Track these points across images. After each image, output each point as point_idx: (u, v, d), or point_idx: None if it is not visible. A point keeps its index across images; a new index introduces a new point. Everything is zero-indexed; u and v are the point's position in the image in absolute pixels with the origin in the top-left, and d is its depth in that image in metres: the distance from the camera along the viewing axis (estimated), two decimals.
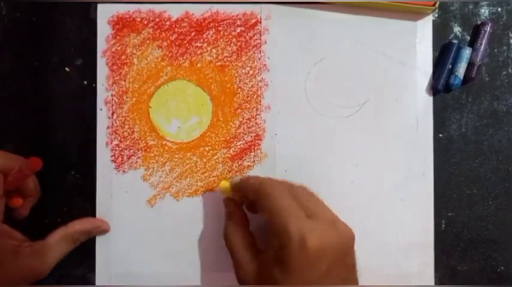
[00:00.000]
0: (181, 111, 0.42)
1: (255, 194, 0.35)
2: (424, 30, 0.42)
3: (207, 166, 0.42)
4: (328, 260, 0.31)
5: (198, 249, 0.41)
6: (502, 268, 0.42)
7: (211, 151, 0.42)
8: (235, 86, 0.42)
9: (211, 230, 0.41)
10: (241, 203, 0.39)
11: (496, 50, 0.42)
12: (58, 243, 0.38)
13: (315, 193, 0.36)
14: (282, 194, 0.34)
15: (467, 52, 0.41)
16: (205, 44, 0.42)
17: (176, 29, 0.42)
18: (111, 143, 0.41)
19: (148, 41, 0.42)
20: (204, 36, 0.42)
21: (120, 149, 0.41)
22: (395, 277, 0.42)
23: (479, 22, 0.42)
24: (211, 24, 0.42)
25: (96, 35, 0.41)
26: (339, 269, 0.32)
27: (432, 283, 0.42)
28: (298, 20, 0.42)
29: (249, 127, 0.42)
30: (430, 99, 0.42)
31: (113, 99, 0.41)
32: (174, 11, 0.42)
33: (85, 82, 0.42)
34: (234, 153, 0.42)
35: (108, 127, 0.41)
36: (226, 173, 0.42)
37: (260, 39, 0.42)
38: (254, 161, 0.42)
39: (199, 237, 0.41)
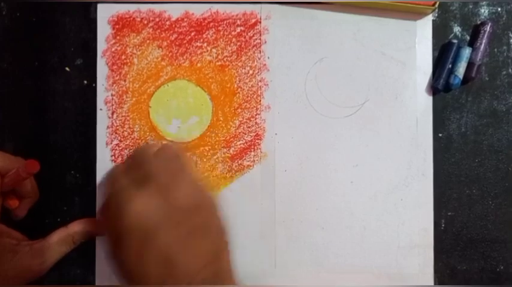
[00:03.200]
0: (181, 111, 0.42)
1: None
2: (424, 30, 0.42)
3: (207, 166, 0.42)
4: (153, 223, 0.31)
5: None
6: (502, 267, 0.42)
7: (211, 151, 0.42)
8: (235, 86, 0.42)
9: None
10: None
11: (495, 49, 0.42)
12: (58, 243, 0.38)
13: (180, 153, 0.36)
14: (115, 168, 0.36)
15: (467, 52, 0.41)
16: (205, 44, 0.42)
17: (176, 29, 0.42)
18: (111, 143, 0.41)
19: (148, 41, 0.42)
20: (204, 36, 0.42)
21: (120, 149, 0.41)
22: (395, 277, 0.42)
23: (479, 22, 0.42)
24: (211, 24, 0.42)
25: (96, 35, 0.42)
26: (173, 231, 0.31)
27: (432, 282, 0.42)
28: (298, 20, 0.42)
29: (249, 127, 0.42)
30: (430, 99, 0.42)
31: (113, 99, 0.42)
32: (174, 11, 0.42)
33: (85, 82, 0.42)
34: (234, 153, 0.42)
35: (108, 127, 0.41)
36: (226, 173, 0.42)
37: (260, 39, 0.42)
38: (254, 160, 0.42)
39: None
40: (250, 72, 0.42)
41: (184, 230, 0.32)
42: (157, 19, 0.42)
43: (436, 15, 0.42)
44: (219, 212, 0.34)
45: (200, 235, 0.33)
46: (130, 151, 0.38)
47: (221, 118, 0.42)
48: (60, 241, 0.38)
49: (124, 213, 0.31)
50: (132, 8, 0.42)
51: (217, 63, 0.42)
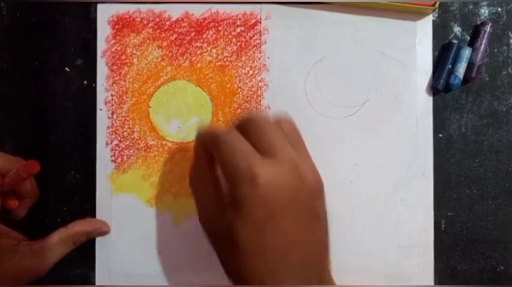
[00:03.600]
0: (181, 111, 0.42)
1: (210, 142, 0.32)
2: (424, 30, 0.42)
3: None
4: (283, 200, 0.29)
5: (198, 249, 0.41)
6: (502, 267, 0.42)
7: None
8: (235, 86, 0.42)
9: None
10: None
11: (496, 50, 0.42)
12: (58, 244, 0.38)
13: (298, 131, 0.34)
14: (232, 137, 0.31)
15: (467, 52, 0.41)
16: (205, 44, 0.42)
17: (176, 29, 0.42)
18: (111, 143, 0.41)
19: (148, 41, 0.42)
20: (204, 36, 0.42)
21: (120, 149, 0.41)
22: (396, 277, 0.42)
23: (479, 22, 0.42)
24: (211, 24, 0.42)
25: (96, 35, 0.41)
26: (297, 212, 0.29)
27: (432, 282, 0.42)
28: (298, 20, 0.42)
29: None
30: (430, 99, 0.42)
31: (112, 99, 0.42)
32: (174, 11, 0.42)
33: (85, 82, 0.42)
34: None
35: (108, 127, 0.41)
36: None
37: (260, 39, 0.42)
38: None
39: (199, 237, 0.41)
40: (250, 72, 0.42)
41: (306, 214, 0.30)
42: (157, 19, 0.42)
43: (436, 15, 0.42)
44: (325, 200, 0.32)
45: (316, 221, 0.30)
46: (245, 116, 0.33)
47: (221, 118, 0.42)
48: (60, 241, 0.38)
49: (253, 181, 0.28)
50: (132, 8, 0.42)
51: (217, 64, 0.42)
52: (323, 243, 0.31)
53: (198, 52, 0.42)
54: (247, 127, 0.32)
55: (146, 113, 0.42)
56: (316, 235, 0.30)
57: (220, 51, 0.42)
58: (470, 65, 0.41)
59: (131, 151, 0.41)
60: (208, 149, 0.33)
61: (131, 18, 0.42)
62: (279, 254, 0.29)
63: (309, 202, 0.30)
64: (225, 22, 0.42)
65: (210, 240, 0.33)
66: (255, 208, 0.28)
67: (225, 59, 0.42)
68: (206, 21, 0.42)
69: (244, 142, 0.30)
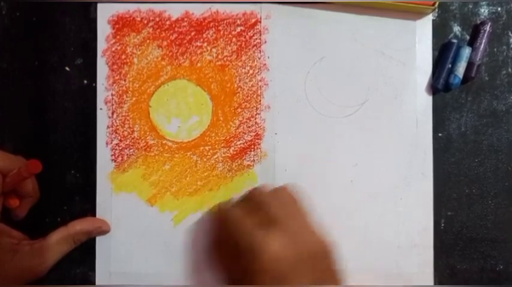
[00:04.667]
0: (181, 110, 0.42)
1: (220, 221, 0.37)
2: (423, 29, 0.42)
3: (207, 165, 0.42)
4: (287, 268, 0.31)
5: (198, 249, 0.41)
6: (501, 267, 0.42)
7: (211, 150, 0.42)
8: (235, 86, 0.42)
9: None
10: None
11: (495, 49, 0.42)
12: (58, 243, 0.38)
13: (296, 197, 0.36)
14: (235, 210, 0.35)
15: (466, 51, 0.41)
16: (205, 44, 0.42)
17: (176, 29, 0.42)
18: (111, 143, 0.41)
19: (148, 41, 0.42)
20: (204, 35, 0.42)
21: (120, 148, 0.41)
22: (395, 277, 0.42)
23: (478, 22, 0.42)
24: (211, 23, 0.42)
25: (96, 34, 0.42)
26: (304, 276, 0.32)
27: (432, 282, 0.42)
28: (298, 19, 0.42)
29: (249, 127, 0.42)
30: (430, 98, 0.42)
31: (113, 99, 0.42)
32: (174, 11, 0.42)
33: (85, 82, 0.42)
34: (234, 152, 0.42)
35: (108, 126, 0.41)
36: (226, 173, 0.42)
37: (260, 38, 0.42)
38: (254, 160, 0.42)
39: (199, 236, 0.41)
40: (250, 72, 0.42)
41: (315, 276, 0.32)
42: (157, 19, 0.42)
43: (436, 15, 0.42)
44: (335, 257, 0.34)
45: (325, 281, 0.33)
46: (246, 192, 0.38)
47: (221, 118, 0.42)
48: (60, 240, 0.38)
49: (259, 254, 0.31)
50: (132, 7, 0.42)
51: (217, 63, 0.42)
52: None
53: (198, 52, 0.42)
54: (250, 200, 0.36)
55: (146, 113, 0.42)
56: None
57: (220, 51, 0.42)
58: (469, 65, 0.41)
59: (131, 150, 0.41)
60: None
61: (131, 18, 0.42)
62: None
63: (313, 266, 0.33)
64: (225, 22, 0.42)
65: None
66: (263, 279, 0.32)
67: (225, 59, 0.42)
68: (206, 21, 0.42)
69: (246, 216, 0.34)
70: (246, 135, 0.42)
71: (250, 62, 0.42)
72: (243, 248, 0.32)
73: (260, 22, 0.42)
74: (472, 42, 0.42)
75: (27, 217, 0.40)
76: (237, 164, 0.42)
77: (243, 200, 0.37)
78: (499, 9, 0.42)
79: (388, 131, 0.42)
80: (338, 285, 0.34)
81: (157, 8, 0.42)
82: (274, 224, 0.33)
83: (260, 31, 0.42)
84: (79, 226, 0.39)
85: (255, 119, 0.42)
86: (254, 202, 0.35)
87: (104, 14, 0.42)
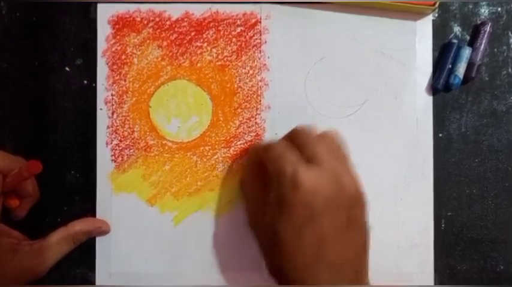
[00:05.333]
0: (181, 111, 0.42)
1: (262, 149, 0.37)
2: (423, 30, 0.42)
3: (207, 166, 0.42)
4: (322, 204, 0.32)
5: (198, 249, 0.41)
6: (502, 267, 0.42)
7: (211, 151, 0.42)
8: (235, 86, 0.42)
9: (212, 229, 0.41)
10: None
11: (495, 49, 0.42)
12: (58, 243, 0.38)
13: (341, 143, 0.36)
14: (281, 145, 0.35)
15: (467, 52, 0.41)
16: (205, 44, 0.42)
17: (176, 29, 0.42)
18: (111, 143, 0.41)
19: (148, 41, 0.42)
20: (204, 36, 0.42)
21: (120, 148, 0.41)
22: (395, 277, 0.42)
23: (479, 22, 0.42)
24: (211, 24, 0.42)
25: (96, 34, 0.42)
26: (335, 216, 0.32)
27: (432, 282, 0.42)
28: (298, 20, 0.42)
29: (249, 127, 0.42)
30: (430, 98, 0.42)
31: (113, 99, 0.42)
32: (174, 11, 0.42)
33: (85, 82, 0.42)
34: (234, 152, 0.42)
35: (108, 127, 0.41)
36: (227, 173, 0.42)
37: (260, 38, 0.42)
38: None
39: (199, 237, 0.41)
40: (250, 72, 0.42)
41: (344, 219, 0.33)
42: (157, 19, 0.42)
43: (436, 15, 0.42)
44: (367, 211, 0.35)
45: (354, 227, 0.33)
46: (290, 131, 0.37)
47: (221, 118, 0.42)
48: (60, 240, 0.39)
49: (300, 184, 0.32)
50: (132, 8, 0.42)
51: (217, 63, 0.42)
52: (361, 247, 0.34)
53: (198, 52, 0.42)
54: (296, 138, 0.35)
55: (146, 113, 0.42)
56: (353, 239, 0.33)
57: (220, 51, 0.42)
58: (470, 65, 0.41)
59: (131, 150, 0.41)
60: (259, 157, 0.37)
61: (131, 18, 0.42)
62: (316, 252, 0.32)
63: (347, 210, 0.33)
64: (225, 22, 0.42)
65: (255, 238, 0.38)
66: (297, 209, 0.32)
67: (225, 59, 0.42)
68: (206, 21, 0.42)
69: (292, 150, 0.34)
70: (246, 136, 0.42)
71: (250, 62, 0.42)
72: (284, 176, 0.32)
73: (260, 22, 0.42)
74: (472, 43, 0.42)
75: (27, 217, 0.40)
76: (237, 164, 0.42)
77: (287, 138, 0.37)
78: (499, 9, 0.42)
79: (388, 131, 0.42)
80: (365, 236, 0.34)
81: (157, 8, 0.42)
82: (318, 163, 0.33)
83: (260, 31, 0.42)
84: (79, 226, 0.39)
85: (255, 119, 0.42)
86: (300, 141, 0.35)
87: (104, 14, 0.42)
